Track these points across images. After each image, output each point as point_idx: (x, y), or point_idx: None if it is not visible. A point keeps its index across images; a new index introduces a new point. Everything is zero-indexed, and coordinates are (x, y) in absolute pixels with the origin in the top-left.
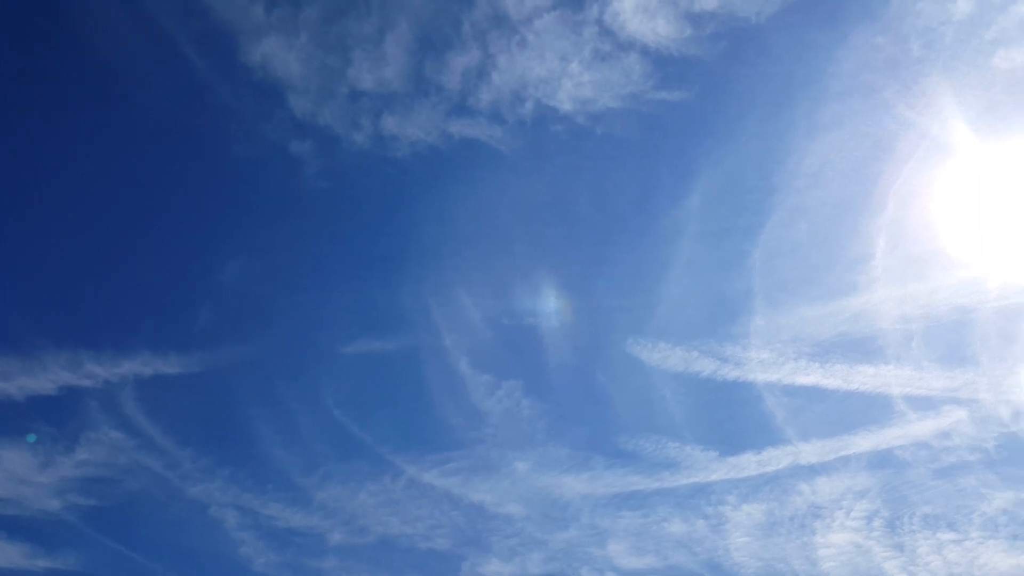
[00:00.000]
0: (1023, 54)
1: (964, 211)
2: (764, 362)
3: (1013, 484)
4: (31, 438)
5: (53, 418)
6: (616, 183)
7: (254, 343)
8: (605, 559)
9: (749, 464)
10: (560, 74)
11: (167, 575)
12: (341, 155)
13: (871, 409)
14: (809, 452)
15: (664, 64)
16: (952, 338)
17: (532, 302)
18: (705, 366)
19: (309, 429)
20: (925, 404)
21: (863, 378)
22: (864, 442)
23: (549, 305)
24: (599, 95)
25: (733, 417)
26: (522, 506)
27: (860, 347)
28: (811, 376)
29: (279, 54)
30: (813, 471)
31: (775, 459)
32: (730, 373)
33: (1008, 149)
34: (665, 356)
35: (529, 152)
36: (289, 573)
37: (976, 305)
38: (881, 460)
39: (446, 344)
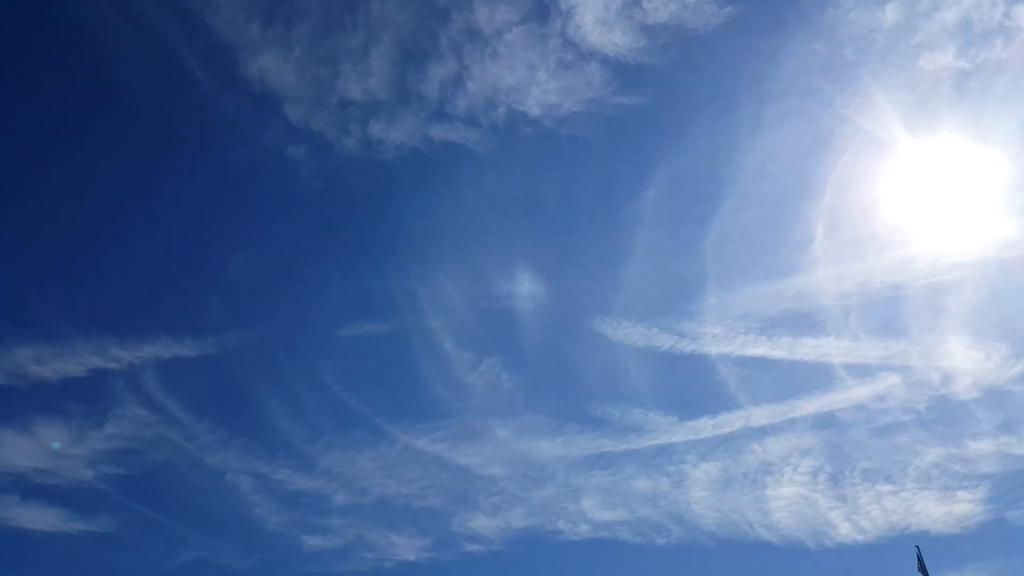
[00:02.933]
0: (946, 57)
1: (895, 198)
2: (717, 336)
3: (943, 440)
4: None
5: (83, 397)
6: (581, 179)
7: (260, 328)
8: (579, 513)
9: (706, 427)
10: (528, 82)
11: (189, 535)
12: (333, 158)
13: (814, 376)
14: (759, 416)
15: (622, 71)
16: (886, 312)
17: (508, 286)
18: (664, 341)
19: (312, 403)
20: (862, 371)
21: (806, 349)
22: (808, 406)
23: (523, 289)
24: (564, 100)
25: (691, 386)
26: (504, 468)
27: (803, 321)
28: (759, 348)
29: (275, 67)
30: (763, 432)
31: (729, 422)
32: (687, 347)
33: (933, 142)
34: (628, 332)
35: (502, 152)
36: (299, 531)
37: (907, 282)
38: (824, 422)
39: (432, 326)
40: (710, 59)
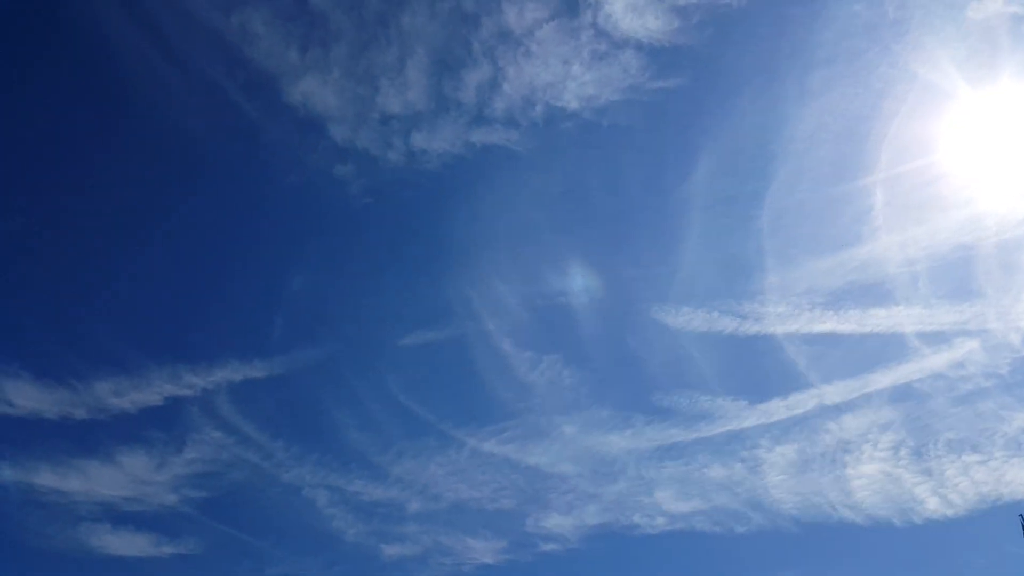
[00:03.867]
0: (996, 3)
1: (955, 155)
2: (782, 315)
3: None
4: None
5: (162, 425)
6: (626, 167)
7: (324, 345)
8: (654, 506)
9: (777, 409)
10: (564, 77)
11: (272, 551)
12: (379, 173)
13: (887, 348)
14: (832, 393)
15: (658, 55)
16: (957, 275)
17: (562, 282)
18: (727, 324)
19: (380, 414)
20: (937, 338)
21: (876, 320)
22: (883, 379)
23: (577, 283)
24: (601, 91)
25: (758, 368)
26: (573, 465)
27: (870, 292)
28: (827, 323)
29: (316, 91)
30: (838, 410)
31: (801, 403)
32: (751, 328)
33: (991, 93)
34: (689, 318)
35: (544, 149)
36: (377, 540)
37: (976, 242)
38: (901, 394)
39: (489, 328)
40: (747, 33)
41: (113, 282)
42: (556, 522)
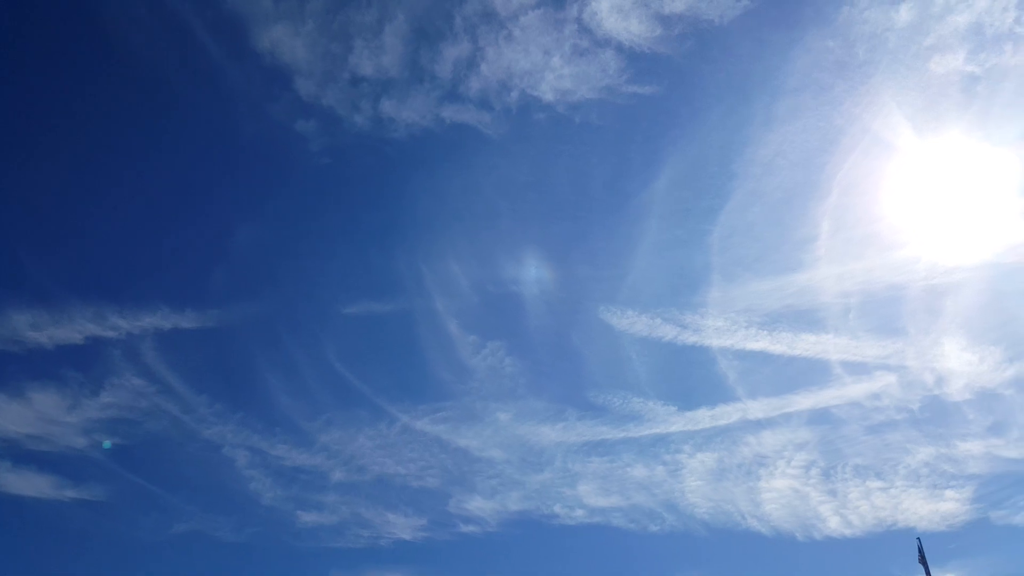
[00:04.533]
0: (956, 60)
1: (899, 199)
2: (719, 329)
3: (934, 440)
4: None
5: (80, 365)
6: (592, 166)
7: (263, 302)
8: (575, 498)
9: (703, 418)
10: (543, 67)
11: (184, 507)
12: (342, 135)
13: (811, 372)
14: (756, 409)
15: (637, 60)
16: (885, 312)
17: (515, 271)
18: (667, 331)
19: (313, 380)
20: (859, 369)
21: (805, 345)
22: (804, 401)
23: (530, 274)
24: (578, 87)
25: (690, 377)
26: (503, 451)
27: (804, 318)
28: (760, 342)
29: (287, 41)
30: (759, 425)
31: (726, 414)
32: (689, 338)
33: (939, 145)
34: (632, 322)
35: (514, 137)
36: (294, 506)
37: (907, 283)
38: (819, 417)
39: (437, 307)
40: (725, 51)
41: (43, 210)
42: (478, 505)
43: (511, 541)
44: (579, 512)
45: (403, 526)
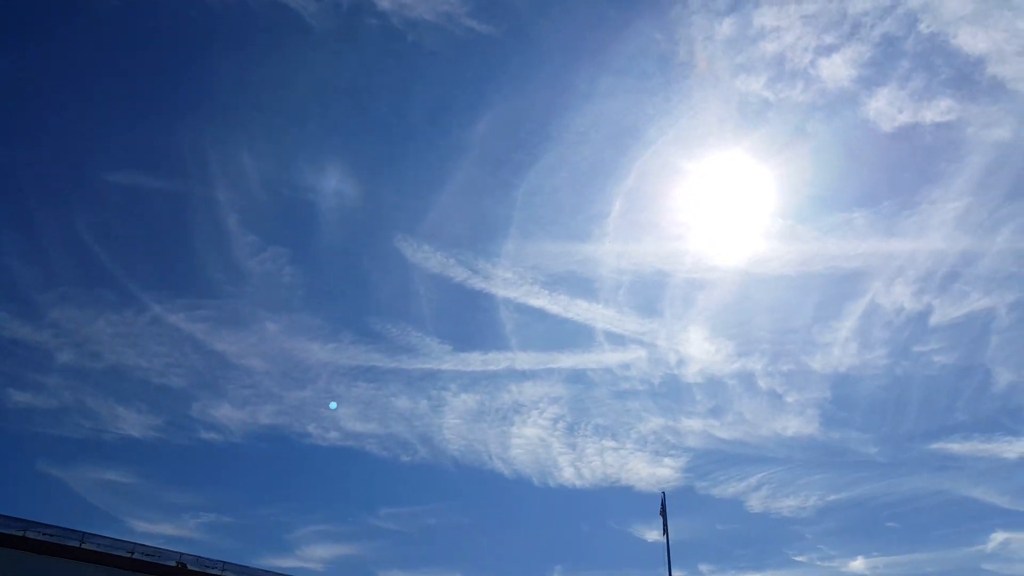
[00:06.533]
0: (758, 83)
1: (683, 196)
2: (507, 280)
3: (664, 413)
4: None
5: None
6: (416, 91)
7: (7, 149)
8: (333, 420)
9: (475, 361)
10: None
11: None
12: None
13: (578, 335)
14: (524, 360)
15: None
16: (649, 293)
17: (315, 179)
18: (458, 273)
19: (53, 246)
20: (618, 340)
21: (578, 310)
22: (567, 360)
23: (330, 185)
24: (417, 3)
25: (471, 320)
26: (264, 362)
27: (582, 285)
28: (540, 300)
29: None
30: (523, 376)
31: (496, 361)
32: (477, 283)
33: (727, 156)
34: (427, 256)
35: (340, 36)
36: (5, 382)
37: (673, 272)
38: (576, 377)
39: (218, 196)
40: (565, 12)
41: None
42: (225, 413)
43: (255, 454)
44: (334, 434)
45: (134, 422)
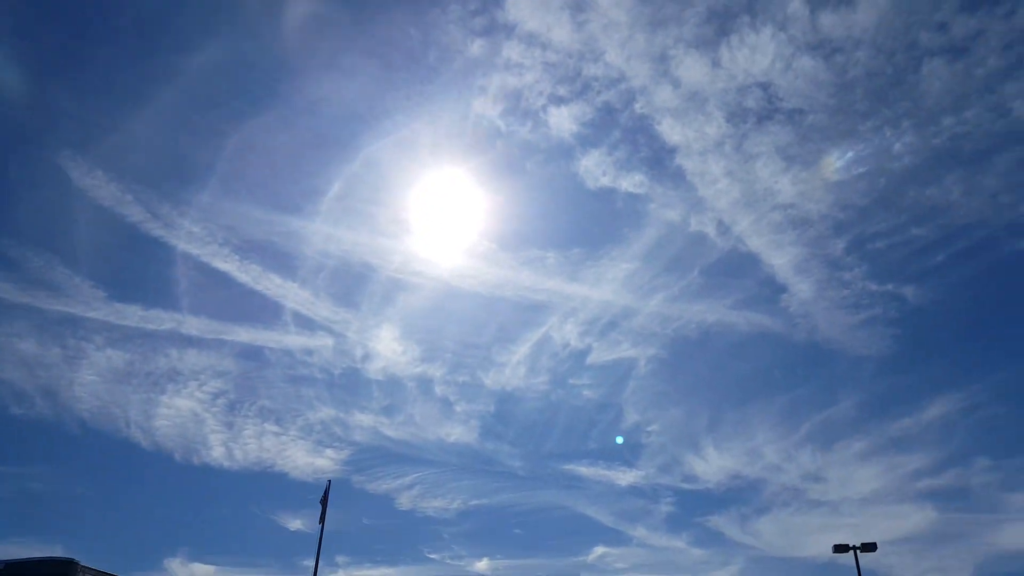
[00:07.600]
0: (494, 111)
1: (405, 196)
2: (193, 234)
3: (338, 405)
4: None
5: None
6: None
7: None
8: None
9: (133, 315)
10: None
11: None
12: None
13: (263, 311)
14: (193, 324)
15: None
16: (350, 283)
17: None
18: (134, 212)
19: None
20: (306, 323)
21: (269, 284)
22: (244, 334)
23: None
24: None
25: (137, 269)
26: None
27: (280, 260)
28: (228, 264)
29: None
30: (188, 341)
31: (159, 319)
32: (156, 229)
33: (454, 168)
34: (98, 184)
35: None
36: None
37: (379, 267)
38: (251, 353)
39: None
40: None
41: None
42: None
43: None
44: None
45: None
